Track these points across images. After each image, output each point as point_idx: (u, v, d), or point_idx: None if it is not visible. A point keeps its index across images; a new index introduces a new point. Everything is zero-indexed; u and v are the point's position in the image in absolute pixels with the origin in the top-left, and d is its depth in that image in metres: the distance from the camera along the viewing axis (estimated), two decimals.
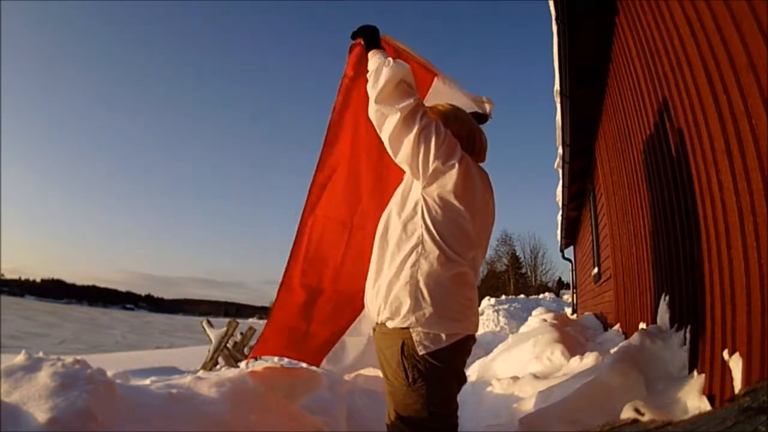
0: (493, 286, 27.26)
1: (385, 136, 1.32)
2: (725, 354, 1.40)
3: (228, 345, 5.33)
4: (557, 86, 3.90)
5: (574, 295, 8.62)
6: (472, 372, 3.72)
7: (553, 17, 3.20)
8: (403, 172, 1.39)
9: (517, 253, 30.12)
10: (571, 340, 3.47)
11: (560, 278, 27.27)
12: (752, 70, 1.22)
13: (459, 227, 1.28)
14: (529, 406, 2.25)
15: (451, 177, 1.26)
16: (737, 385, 1.28)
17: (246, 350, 5.50)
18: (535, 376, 2.72)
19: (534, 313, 5.61)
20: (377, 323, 1.37)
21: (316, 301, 2.00)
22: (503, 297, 15.23)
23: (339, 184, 1.89)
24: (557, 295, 18.58)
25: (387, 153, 1.35)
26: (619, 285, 3.94)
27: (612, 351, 2.38)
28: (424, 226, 1.27)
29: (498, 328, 10.43)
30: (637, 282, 3.11)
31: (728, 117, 1.38)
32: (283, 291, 1.95)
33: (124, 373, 2.00)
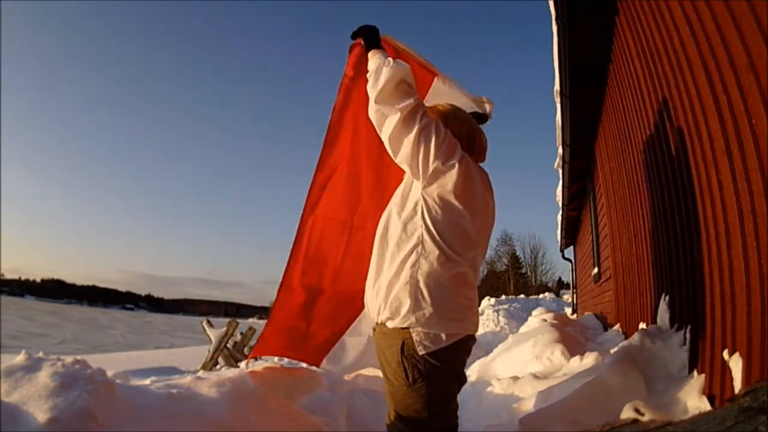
0: (493, 286, 27.26)
1: (385, 136, 1.32)
2: (725, 354, 1.40)
3: (228, 345, 5.33)
4: (557, 86, 3.90)
5: (574, 295, 8.62)
6: (472, 372, 3.72)
7: (553, 17, 3.20)
8: (404, 171, 1.39)
9: (517, 253, 30.16)
10: (571, 340, 3.47)
11: (560, 278, 27.30)
12: (752, 70, 1.22)
13: (459, 227, 1.28)
14: (529, 406, 2.25)
15: (451, 177, 1.26)
16: (737, 385, 1.28)
17: (246, 350, 5.50)
18: (535, 376, 2.72)
19: (534, 313, 5.62)
20: (377, 323, 1.37)
21: (316, 301, 2.00)
22: (503, 297, 15.23)
23: (339, 184, 1.89)
24: (557, 295, 18.58)
25: (387, 153, 1.35)
26: (619, 285, 3.94)
27: (612, 351, 2.38)
28: (424, 226, 1.27)
29: (498, 328, 10.43)
30: (637, 282, 3.11)
31: (728, 117, 1.38)
32: (283, 291, 1.95)
33: (124, 373, 2.01)
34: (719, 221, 1.50)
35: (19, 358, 1.31)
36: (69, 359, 1.37)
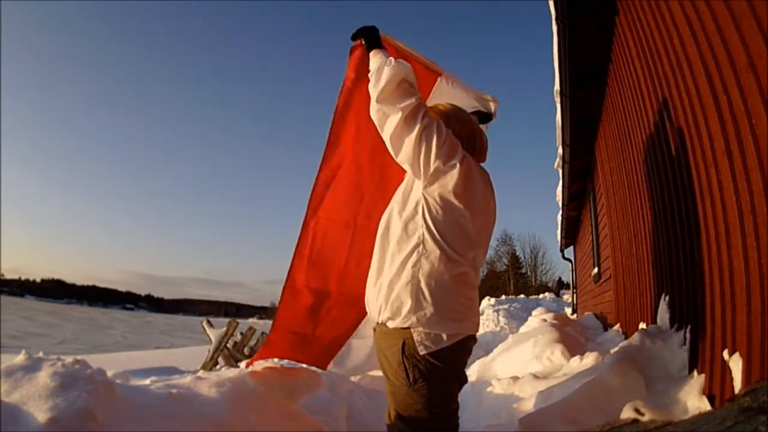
0: (493, 286, 27.26)
1: (386, 136, 1.32)
2: (725, 354, 1.40)
3: (228, 345, 5.32)
4: (557, 86, 3.90)
5: (574, 295, 8.62)
6: (472, 372, 3.72)
7: (553, 17, 3.20)
8: (405, 171, 1.39)
9: (517, 253, 30.16)
10: (571, 340, 3.47)
11: (560, 278, 27.31)
12: (752, 70, 1.22)
13: (460, 227, 1.28)
14: (529, 406, 2.25)
15: (452, 177, 1.26)
16: (737, 385, 1.28)
17: (246, 350, 5.50)
18: (535, 376, 2.72)
19: (534, 313, 5.62)
20: (378, 323, 1.37)
21: (322, 305, 1.99)
22: (503, 297, 15.23)
23: (341, 186, 1.89)
24: (557, 295, 18.58)
25: (389, 153, 1.35)
26: (619, 285, 3.94)
27: (612, 351, 2.38)
28: (425, 225, 1.27)
29: (498, 328, 10.44)
30: (637, 282, 3.11)
31: (728, 117, 1.38)
32: (287, 294, 1.93)
33: (124, 373, 2.00)
34: (719, 221, 1.50)
35: (19, 358, 1.31)
36: (69, 359, 1.37)
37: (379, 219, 1.44)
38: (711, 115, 1.52)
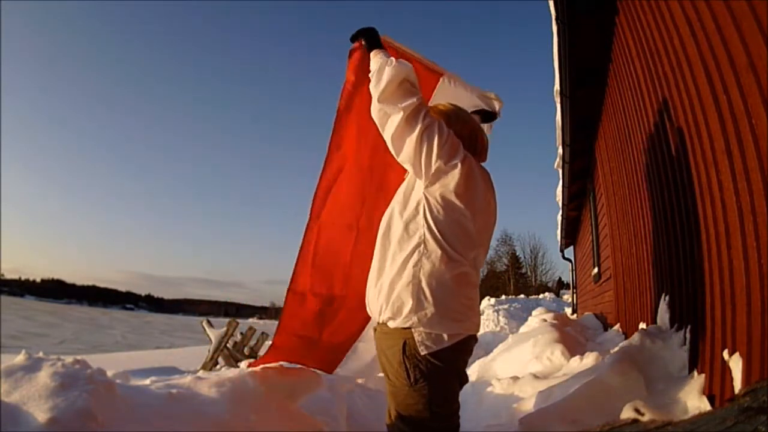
0: (493, 286, 27.27)
1: (387, 136, 1.31)
2: (725, 354, 1.40)
3: (228, 345, 5.32)
4: (557, 86, 3.90)
5: (574, 295, 8.62)
6: (472, 372, 3.72)
7: (553, 17, 3.20)
8: (406, 172, 1.39)
9: (517, 253, 30.18)
10: (571, 340, 3.47)
11: (560, 278, 27.31)
12: (752, 70, 1.22)
13: (461, 227, 1.28)
14: (529, 406, 2.25)
15: (454, 177, 1.26)
16: (737, 385, 1.28)
17: (246, 350, 5.49)
18: (535, 376, 2.72)
19: (534, 313, 5.62)
20: (378, 323, 1.37)
21: (329, 309, 1.97)
22: (503, 297, 15.24)
23: (343, 189, 1.87)
24: (557, 295, 18.58)
25: (390, 154, 1.34)
26: (619, 285, 3.94)
27: (612, 351, 2.38)
28: (426, 225, 1.27)
29: (498, 328, 10.45)
30: (637, 282, 3.11)
31: (728, 117, 1.38)
32: (291, 299, 1.91)
33: (124, 373, 2.00)
34: (719, 221, 1.50)
35: (19, 358, 1.31)
36: (69, 359, 1.37)
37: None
38: (711, 115, 1.52)
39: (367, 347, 2.04)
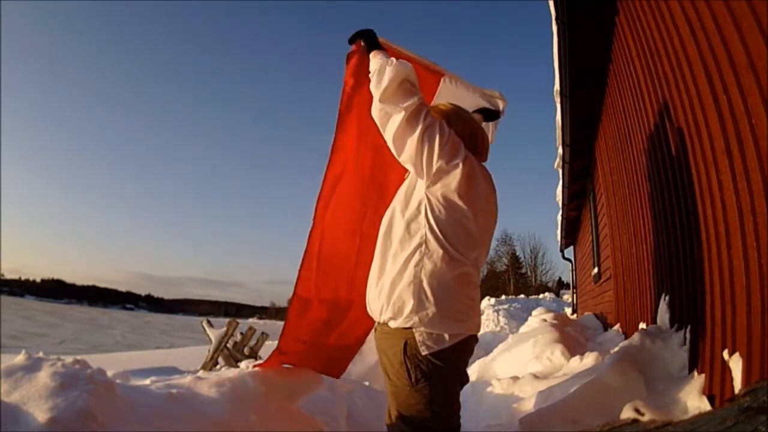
0: (493, 286, 27.26)
1: (388, 136, 1.31)
2: (725, 354, 1.40)
3: (228, 345, 5.32)
4: (557, 86, 3.90)
5: (574, 295, 8.62)
6: (473, 372, 3.72)
7: (553, 17, 3.20)
8: (407, 173, 1.39)
9: (517, 253, 30.16)
10: (571, 340, 3.48)
11: (560, 278, 27.30)
12: (752, 70, 1.22)
13: (462, 227, 1.28)
14: (529, 406, 2.25)
15: (455, 177, 1.26)
16: (737, 385, 1.28)
17: (246, 350, 5.49)
18: (535, 376, 2.72)
19: (534, 313, 5.62)
20: (379, 323, 1.36)
21: (335, 314, 1.96)
22: (503, 297, 15.23)
23: (345, 192, 1.85)
24: (557, 295, 18.57)
25: (390, 156, 1.34)
26: (619, 285, 3.94)
27: (612, 351, 2.38)
28: (427, 225, 1.27)
29: (498, 328, 10.44)
30: (637, 282, 3.11)
31: (728, 117, 1.38)
32: (296, 305, 1.89)
33: (124, 373, 2.01)
34: (719, 221, 1.50)
35: (19, 358, 1.31)
36: (69, 359, 1.37)
37: None
38: (711, 115, 1.52)
39: (371, 349, 2.03)
